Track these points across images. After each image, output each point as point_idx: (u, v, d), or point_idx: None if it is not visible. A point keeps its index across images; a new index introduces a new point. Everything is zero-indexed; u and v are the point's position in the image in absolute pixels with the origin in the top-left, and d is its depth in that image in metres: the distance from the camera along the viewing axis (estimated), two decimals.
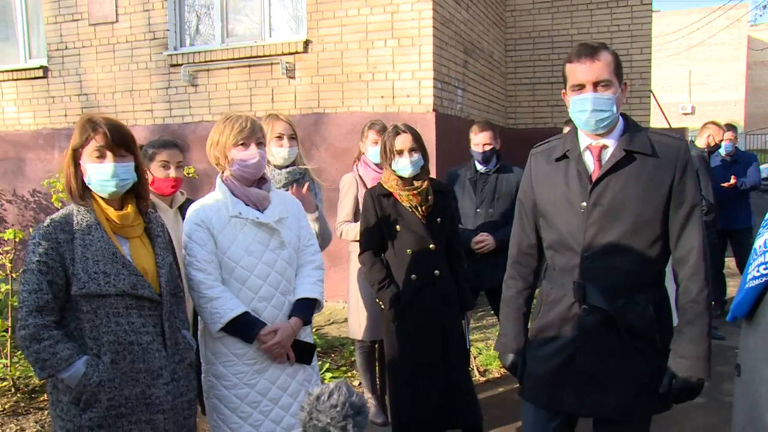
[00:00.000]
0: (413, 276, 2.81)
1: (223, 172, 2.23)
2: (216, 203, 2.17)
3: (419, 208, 2.83)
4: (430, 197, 2.86)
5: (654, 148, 1.83)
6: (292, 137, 2.92)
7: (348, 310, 3.49)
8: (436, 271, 2.83)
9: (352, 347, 4.48)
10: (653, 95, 8.65)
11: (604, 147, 1.89)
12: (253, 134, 2.17)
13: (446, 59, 5.85)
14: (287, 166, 2.93)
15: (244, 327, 2.10)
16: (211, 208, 2.15)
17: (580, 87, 1.86)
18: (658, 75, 23.89)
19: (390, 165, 2.84)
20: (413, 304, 2.82)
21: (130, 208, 1.88)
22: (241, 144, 2.15)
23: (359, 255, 2.99)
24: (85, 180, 1.84)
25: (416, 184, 2.84)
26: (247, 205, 2.17)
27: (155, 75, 6.47)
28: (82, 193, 1.84)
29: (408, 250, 2.83)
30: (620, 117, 1.92)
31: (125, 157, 1.85)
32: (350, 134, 5.61)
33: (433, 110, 5.49)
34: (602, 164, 1.88)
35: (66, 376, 1.74)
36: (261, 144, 2.20)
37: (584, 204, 1.87)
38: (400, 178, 2.84)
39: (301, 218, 2.35)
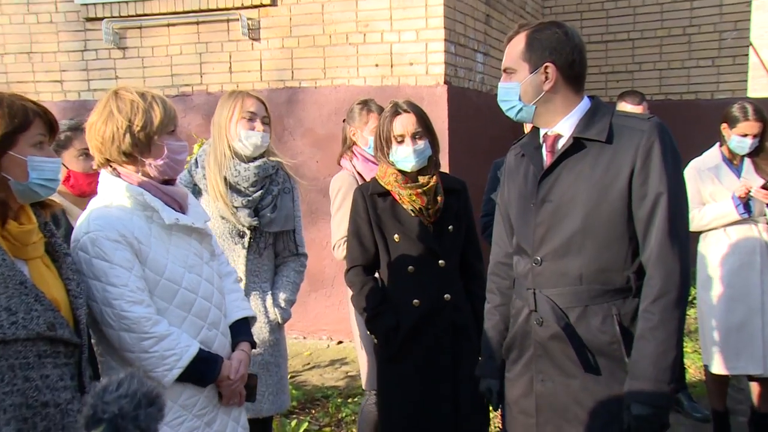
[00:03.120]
0: (415, 301, 2.94)
1: (113, 167, 2.26)
2: (124, 210, 2.20)
3: (425, 212, 2.94)
4: (439, 198, 2.97)
5: (613, 133, 2.11)
6: (265, 120, 3.05)
7: (356, 350, 3.60)
8: (447, 295, 2.97)
9: (339, 400, 4.63)
10: (755, 51, 8.64)
11: (559, 136, 2.22)
12: (177, 116, 2.31)
13: (462, 13, 6.03)
14: (255, 158, 3.04)
15: (205, 366, 2.24)
16: (124, 218, 2.18)
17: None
18: (762, 21, 23.81)
19: (387, 155, 2.96)
20: (415, 338, 2.94)
21: (33, 221, 1.86)
22: (173, 131, 2.27)
23: (345, 273, 3.11)
24: (11, 176, 1.80)
25: (421, 180, 2.94)
26: (170, 207, 2.27)
27: (64, 32, 6.58)
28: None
29: (409, 267, 2.96)
30: (586, 99, 2.22)
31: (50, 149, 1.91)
32: (335, 116, 5.76)
33: (445, 83, 5.66)
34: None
35: None
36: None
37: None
38: (401, 172, 2.95)
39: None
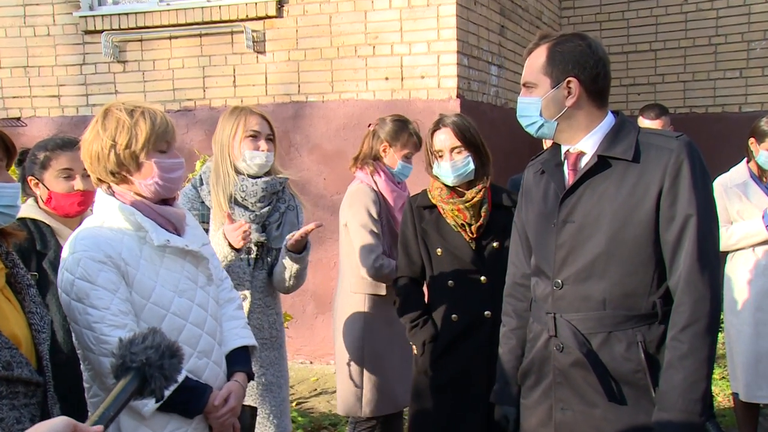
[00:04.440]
0: (454, 316, 3.04)
1: (109, 185, 2.27)
2: (114, 231, 2.21)
3: (468, 228, 3.04)
4: (483, 213, 3.05)
5: (639, 151, 2.11)
6: (270, 138, 3.11)
7: (337, 374, 3.65)
8: (487, 312, 3.02)
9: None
10: None
11: (581, 154, 2.22)
12: (173, 132, 2.30)
13: (475, 24, 6.07)
14: (262, 176, 3.10)
15: (191, 396, 2.22)
16: (113, 238, 2.19)
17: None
18: None
19: (432, 170, 3.10)
20: (453, 353, 3.04)
21: None
22: (164, 149, 2.26)
23: (393, 283, 3.27)
24: None
25: (468, 195, 3.04)
26: (164, 228, 2.27)
27: (62, 45, 6.64)
28: None
29: (449, 282, 3.06)
30: (611, 115, 2.23)
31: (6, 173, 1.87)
32: (343, 131, 5.80)
33: (458, 96, 5.68)
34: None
35: None
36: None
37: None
38: (447, 186, 3.07)
39: (207, 240, 2.55)
